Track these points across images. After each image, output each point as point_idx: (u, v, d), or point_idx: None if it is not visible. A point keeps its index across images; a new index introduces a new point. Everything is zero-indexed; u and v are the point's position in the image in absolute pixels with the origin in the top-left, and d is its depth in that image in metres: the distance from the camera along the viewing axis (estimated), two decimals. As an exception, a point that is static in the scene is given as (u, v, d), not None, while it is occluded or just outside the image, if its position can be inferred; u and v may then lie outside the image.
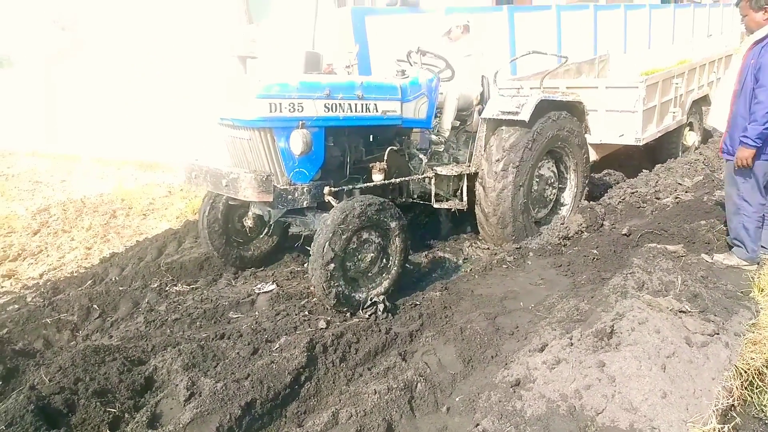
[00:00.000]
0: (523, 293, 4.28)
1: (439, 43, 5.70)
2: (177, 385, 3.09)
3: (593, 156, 7.16)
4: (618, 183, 7.13)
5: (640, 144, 6.84)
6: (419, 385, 3.12)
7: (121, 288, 4.55)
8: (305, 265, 5.09)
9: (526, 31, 10.24)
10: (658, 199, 5.92)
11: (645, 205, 5.82)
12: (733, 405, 2.85)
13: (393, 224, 4.13)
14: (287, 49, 7.54)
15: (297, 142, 3.89)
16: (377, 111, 4.46)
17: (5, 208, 8.28)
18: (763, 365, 3.12)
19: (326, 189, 4.15)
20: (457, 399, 3.07)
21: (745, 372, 3.02)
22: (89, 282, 4.97)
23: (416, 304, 4.21)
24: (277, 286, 4.58)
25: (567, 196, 5.81)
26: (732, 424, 2.67)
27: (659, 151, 7.83)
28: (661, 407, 2.54)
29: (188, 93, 8.91)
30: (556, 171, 5.66)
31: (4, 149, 14.74)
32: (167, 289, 4.64)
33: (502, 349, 3.48)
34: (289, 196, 4.07)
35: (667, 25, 15.78)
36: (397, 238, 4.18)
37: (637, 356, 2.74)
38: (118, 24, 9.99)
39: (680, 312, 3.26)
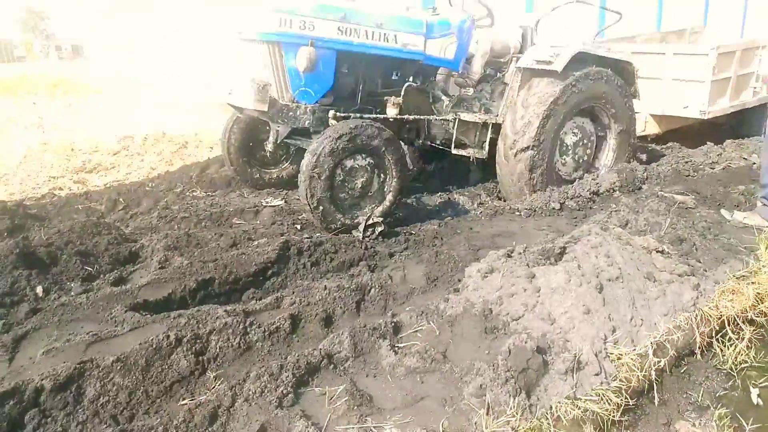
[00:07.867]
0: (521, 234, 4.15)
1: None
2: (152, 259, 3.39)
3: (655, 129, 6.67)
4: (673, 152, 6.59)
5: (705, 117, 6.24)
6: (372, 290, 3.18)
7: (147, 189, 4.97)
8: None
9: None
10: (711, 168, 5.45)
11: (695, 173, 5.37)
12: (693, 351, 2.67)
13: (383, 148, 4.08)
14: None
15: (302, 58, 4.00)
16: (396, 42, 4.44)
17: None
18: (742, 317, 2.87)
19: (331, 113, 4.17)
20: (407, 308, 3.09)
21: (718, 319, 2.80)
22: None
23: (411, 233, 4.24)
24: (285, 202, 4.78)
25: (604, 159, 5.44)
26: (666, 358, 2.50)
27: (741, 129, 7.12)
28: (580, 321, 2.43)
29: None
30: (593, 131, 5.30)
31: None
32: (186, 194, 5.00)
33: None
34: (290, 113, 4.18)
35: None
36: (393, 167, 4.16)
37: (570, 271, 2.62)
38: None
39: (655, 251, 3.05)
